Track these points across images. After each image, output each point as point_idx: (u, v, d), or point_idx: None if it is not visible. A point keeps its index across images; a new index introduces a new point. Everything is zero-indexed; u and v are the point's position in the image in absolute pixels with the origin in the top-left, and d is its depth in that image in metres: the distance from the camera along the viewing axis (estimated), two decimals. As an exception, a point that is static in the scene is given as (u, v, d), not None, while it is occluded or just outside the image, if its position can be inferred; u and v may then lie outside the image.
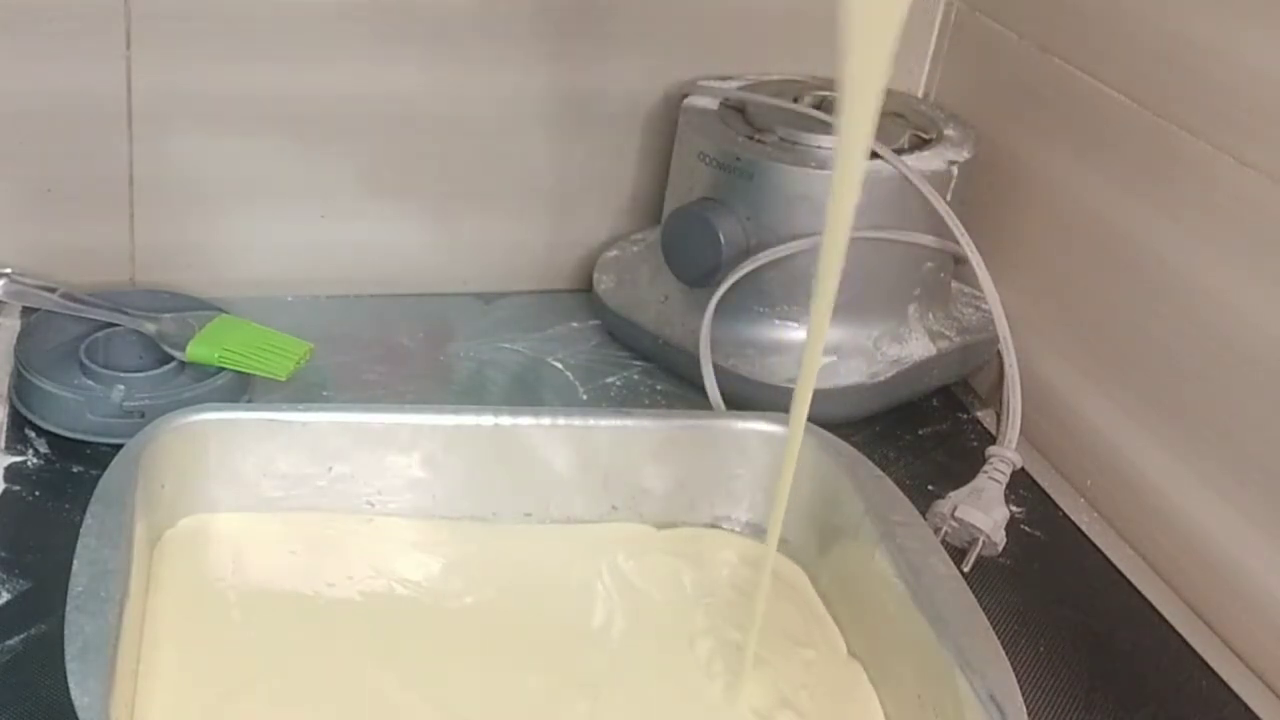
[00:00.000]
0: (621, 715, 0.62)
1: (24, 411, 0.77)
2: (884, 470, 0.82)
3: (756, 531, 0.73)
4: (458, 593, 0.67)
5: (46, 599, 0.65)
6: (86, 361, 0.78)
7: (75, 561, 0.56)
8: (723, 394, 0.82)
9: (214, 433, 0.67)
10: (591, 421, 0.71)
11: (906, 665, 0.62)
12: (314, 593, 0.66)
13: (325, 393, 0.83)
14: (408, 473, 0.69)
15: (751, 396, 0.83)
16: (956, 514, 0.75)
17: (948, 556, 0.65)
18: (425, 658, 0.63)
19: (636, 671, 0.64)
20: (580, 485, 0.71)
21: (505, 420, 0.70)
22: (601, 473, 0.71)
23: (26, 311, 0.83)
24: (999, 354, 0.85)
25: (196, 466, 0.67)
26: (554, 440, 0.70)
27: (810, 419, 0.85)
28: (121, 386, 0.76)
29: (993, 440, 0.83)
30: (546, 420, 0.70)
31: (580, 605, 0.67)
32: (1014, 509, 0.79)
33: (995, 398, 0.88)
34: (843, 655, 0.66)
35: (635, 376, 0.89)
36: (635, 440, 0.71)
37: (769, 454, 0.72)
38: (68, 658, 0.52)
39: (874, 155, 0.83)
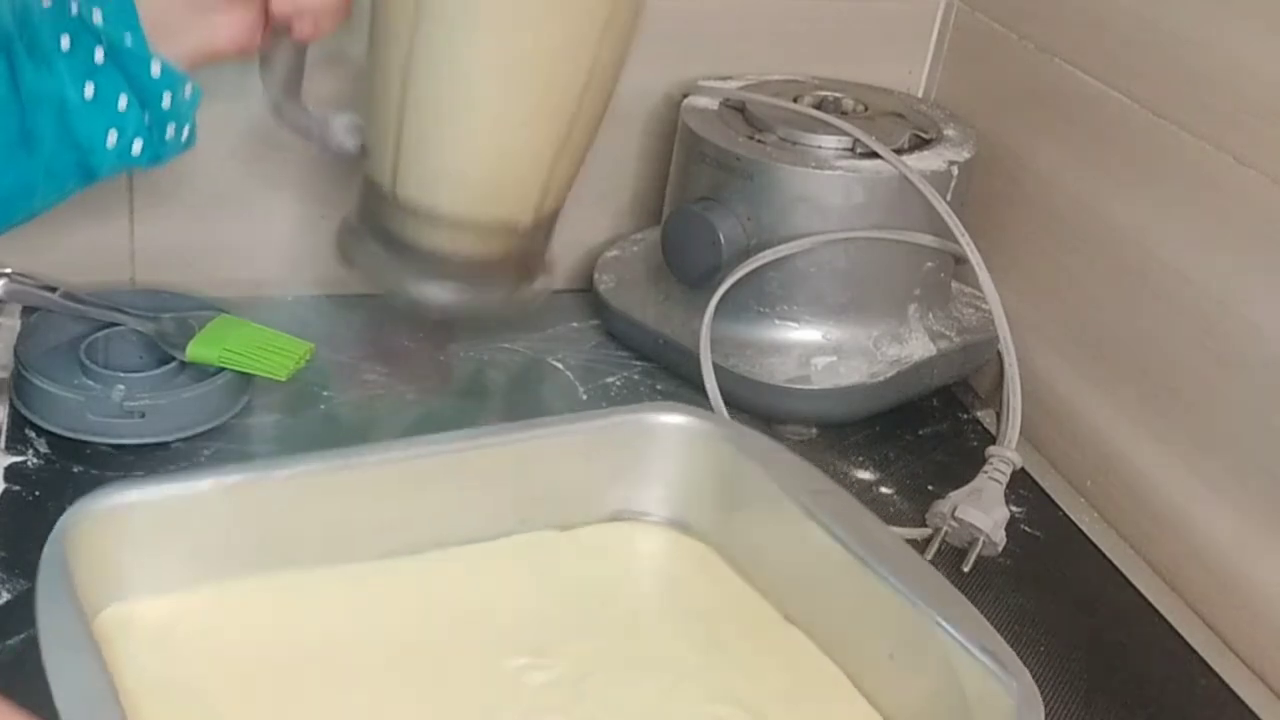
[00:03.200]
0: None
1: (24, 411, 0.77)
2: (884, 470, 0.83)
3: (674, 523, 0.72)
4: (392, 634, 0.65)
5: (46, 599, 0.66)
6: (86, 361, 0.78)
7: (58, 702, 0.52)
8: (723, 394, 0.82)
9: (120, 517, 0.61)
10: (491, 439, 0.69)
11: (867, 628, 0.63)
12: (257, 662, 0.62)
13: (325, 392, 0.83)
14: (320, 522, 0.66)
15: (751, 396, 0.83)
16: (956, 514, 0.75)
17: (875, 516, 0.65)
18: (366, 707, 0.61)
19: (591, 675, 0.64)
20: (490, 502, 0.69)
21: (398, 454, 0.66)
22: (509, 487, 0.69)
23: (26, 311, 0.83)
24: (999, 354, 0.85)
25: (109, 556, 0.62)
26: (458, 464, 0.68)
27: (810, 419, 0.86)
28: (121, 386, 0.76)
29: (993, 440, 0.83)
30: (446, 445, 0.67)
31: (518, 621, 0.66)
32: (1014, 509, 0.79)
33: (995, 398, 0.88)
34: (779, 621, 0.67)
35: (635, 376, 0.89)
36: (542, 449, 0.69)
37: (681, 444, 0.71)
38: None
39: (874, 155, 0.84)
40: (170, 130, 0.68)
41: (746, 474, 0.69)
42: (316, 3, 0.71)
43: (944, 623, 0.59)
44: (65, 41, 0.65)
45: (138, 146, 0.67)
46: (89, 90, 0.65)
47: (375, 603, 0.66)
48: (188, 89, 0.68)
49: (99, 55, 0.65)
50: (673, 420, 0.71)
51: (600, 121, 0.76)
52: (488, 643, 0.65)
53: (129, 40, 0.65)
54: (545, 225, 0.78)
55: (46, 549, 0.58)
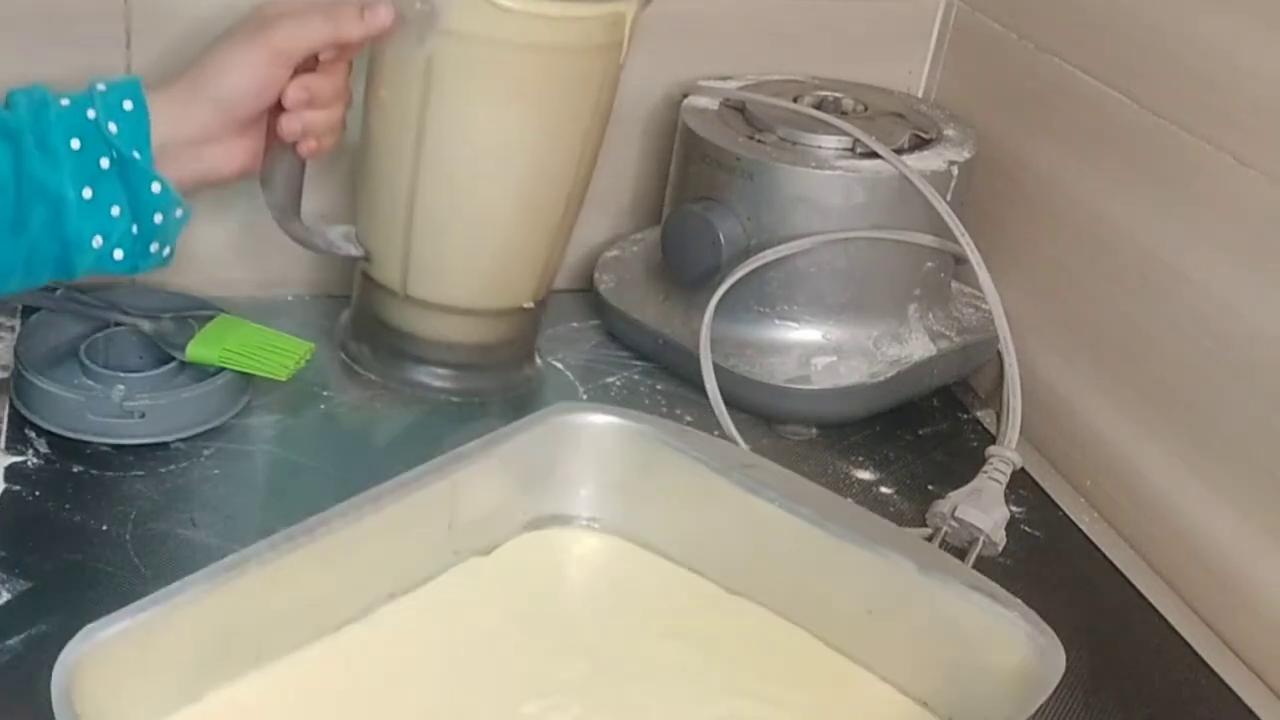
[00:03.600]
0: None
1: (24, 411, 0.77)
2: (884, 470, 0.83)
3: (604, 524, 0.72)
4: (383, 699, 0.63)
5: (46, 599, 0.65)
6: (86, 361, 0.78)
7: None
8: (723, 394, 0.82)
9: (106, 655, 0.57)
10: (413, 482, 0.65)
11: (834, 588, 0.63)
12: None
13: (325, 392, 0.83)
14: (279, 608, 0.62)
15: (751, 396, 0.83)
16: (956, 514, 0.75)
17: (810, 481, 0.66)
18: None
19: (599, 705, 0.63)
20: (427, 540, 0.68)
21: (346, 517, 0.63)
22: (440, 523, 0.68)
23: (27, 311, 0.83)
24: (999, 354, 0.85)
25: (108, 696, 0.57)
26: (398, 510, 0.65)
27: (810, 419, 0.85)
28: (121, 386, 0.76)
29: (993, 440, 0.83)
30: (382, 500, 0.64)
31: (502, 659, 0.66)
32: (1014, 509, 0.79)
33: (995, 398, 0.88)
34: (723, 594, 0.68)
35: (635, 376, 0.89)
36: (464, 478, 0.67)
37: (603, 444, 0.71)
38: None
39: (874, 155, 0.84)
40: (154, 246, 0.71)
41: (668, 461, 0.69)
42: (321, 122, 0.75)
43: (926, 569, 0.59)
44: (76, 143, 0.67)
45: (119, 254, 0.70)
46: (88, 193, 0.68)
47: (354, 673, 0.63)
48: (179, 211, 0.71)
49: (105, 163, 0.68)
50: (589, 420, 0.71)
51: (583, 197, 0.84)
52: (479, 686, 0.64)
53: (137, 156, 0.68)
54: (544, 303, 0.86)
55: (55, 701, 0.54)
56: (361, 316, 0.85)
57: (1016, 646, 0.57)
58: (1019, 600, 0.58)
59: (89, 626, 0.56)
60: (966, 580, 0.59)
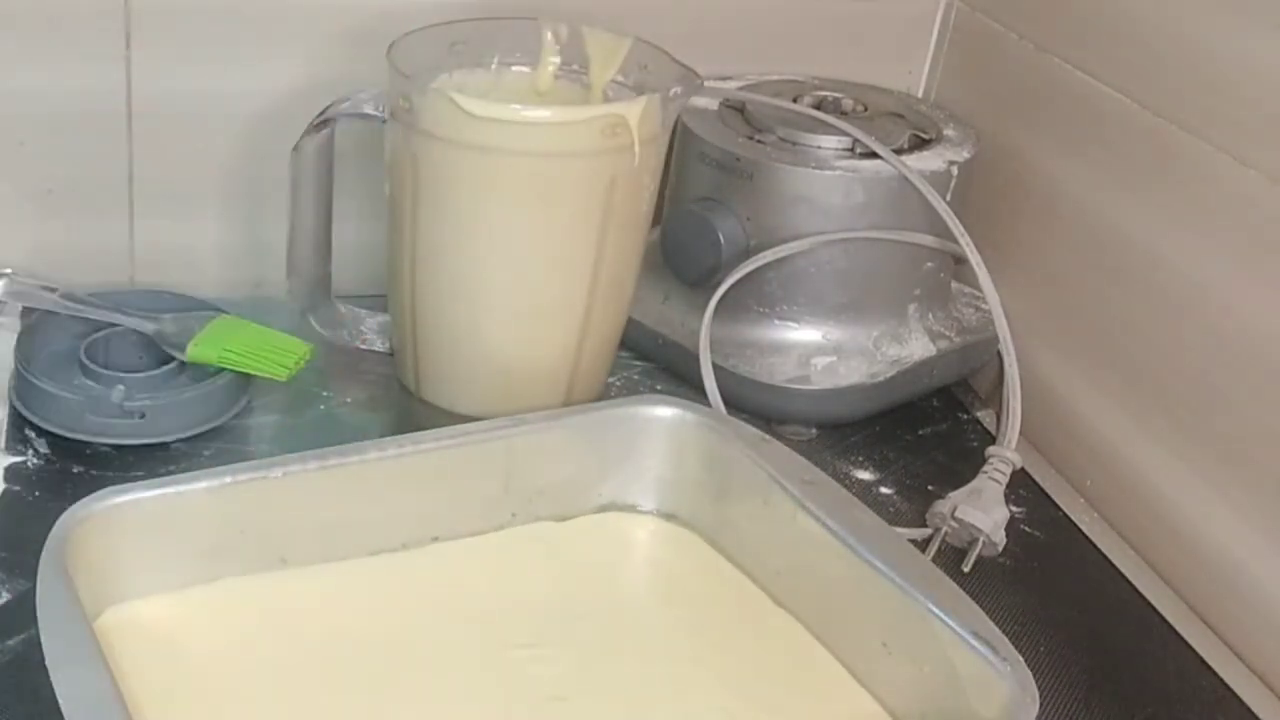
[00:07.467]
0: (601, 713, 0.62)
1: (24, 411, 0.77)
2: (884, 470, 0.83)
3: (663, 513, 0.73)
4: (394, 629, 0.65)
5: (47, 599, 0.66)
6: (86, 361, 0.78)
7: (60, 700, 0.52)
8: (722, 394, 0.82)
9: (117, 519, 0.62)
10: (481, 434, 0.69)
11: (860, 617, 0.63)
12: (259, 661, 0.62)
13: (325, 393, 0.83)
14: (316, 519, 0.66)
15: (751, 396, 0.83)
16: (956, 514, 0.75)
17: (865, 506, 0.66)
18: (371, 703, 0.61)
19: (593, 664, 0.64)
20: (482, 497, 0.70)
21: (392, 450, 0.67)
22: (500, 481, 0.69)
23: (26, 311, 0.83)
24: (999, 354, 0.85)
25: (107, 558, 0.62)
26: (449, 459, 0.68)
27: (810, 419, 0.85)
28: (121, 386, 0.76)
29: (993, 440, 0.83)
30: (437, 441, 0.68)
31: (516, 613, 0.67)
32: (1014, 509, 0.79)
33: (995, 398, 0.88)
34: (769, 605, 0.68)
35: (635, 376, 0.89)
36: (531, 443, 0.70)
37: (670, 437, 0.72)
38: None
39: (874, 155, 0.84)
40: None
41: (736, 464, 0.69)
42: None
43: (937, 611, 0.59)
44: None
45: None
46: None
47: (374, 598, 0.66)
48: None
49: None
50: (662, 413, 0.72)
51: (626, 302, 0.81)
52: (489, 634, 0.65)
53: None
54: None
55: (44, 552, 0.58)
56: (392, 414, 0.83)
57: (999, 697, 0.57)
58: (1020, 657, 0.58)
59: (98, 493, 0.60)
60: (974, 629, 0.59)
